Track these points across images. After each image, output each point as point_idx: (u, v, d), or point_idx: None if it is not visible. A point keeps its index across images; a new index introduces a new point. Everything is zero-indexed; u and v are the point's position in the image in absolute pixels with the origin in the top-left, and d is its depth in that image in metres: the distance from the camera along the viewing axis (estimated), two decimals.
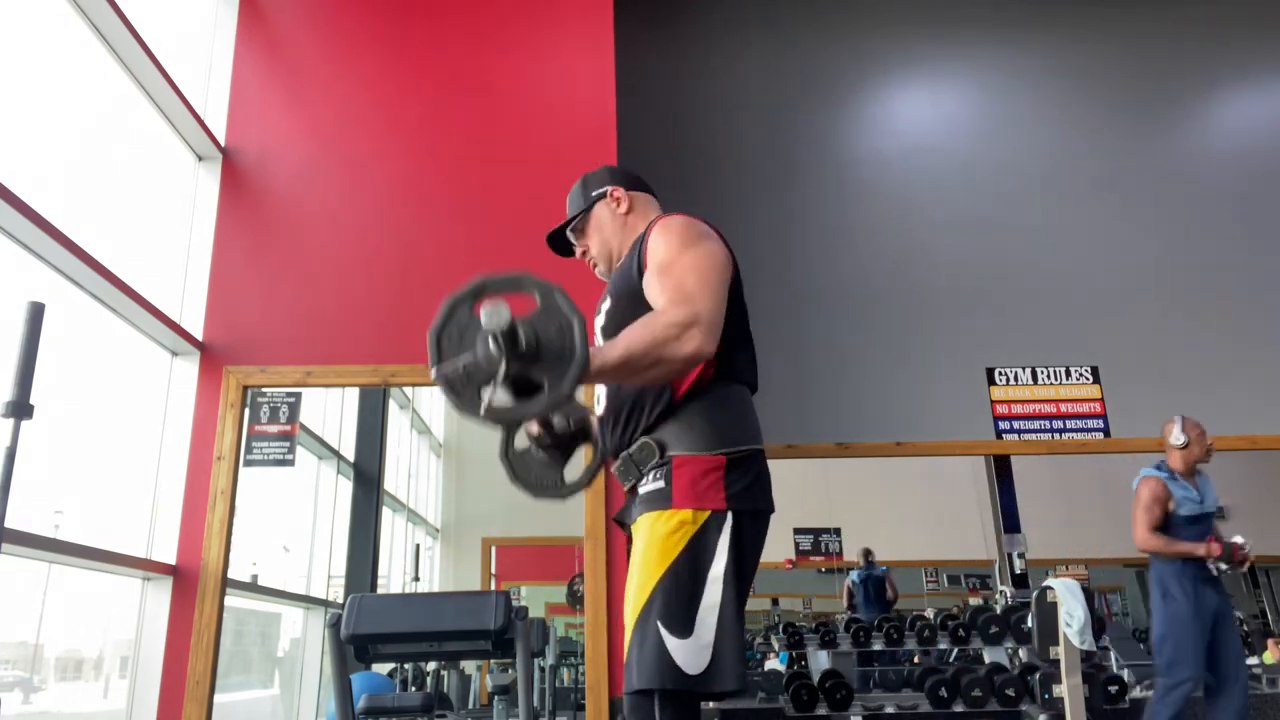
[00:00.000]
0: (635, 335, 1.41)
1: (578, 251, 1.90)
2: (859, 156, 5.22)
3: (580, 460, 1.62)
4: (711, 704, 4.24)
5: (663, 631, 1.44)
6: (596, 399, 1.71)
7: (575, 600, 5.83)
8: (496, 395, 1.24)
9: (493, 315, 1.22)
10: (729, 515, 1.50)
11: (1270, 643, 5.69)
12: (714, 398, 1.56)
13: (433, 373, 1.26)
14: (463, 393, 1.27)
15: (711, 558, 1.47)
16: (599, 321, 1.73)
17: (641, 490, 1.54)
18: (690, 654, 1.43)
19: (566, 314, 1.28)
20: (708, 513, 1.49)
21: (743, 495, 1.52)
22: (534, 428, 1.53)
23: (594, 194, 1.84)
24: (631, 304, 1.62)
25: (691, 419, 1.54)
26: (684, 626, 1.44)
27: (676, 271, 1.56)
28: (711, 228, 1.69)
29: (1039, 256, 5.03)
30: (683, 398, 1.55)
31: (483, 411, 1.24)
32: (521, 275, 1.31)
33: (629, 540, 1.61)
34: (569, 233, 1.88)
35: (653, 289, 1.58)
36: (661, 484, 1.51)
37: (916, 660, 5.37)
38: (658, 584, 1.47)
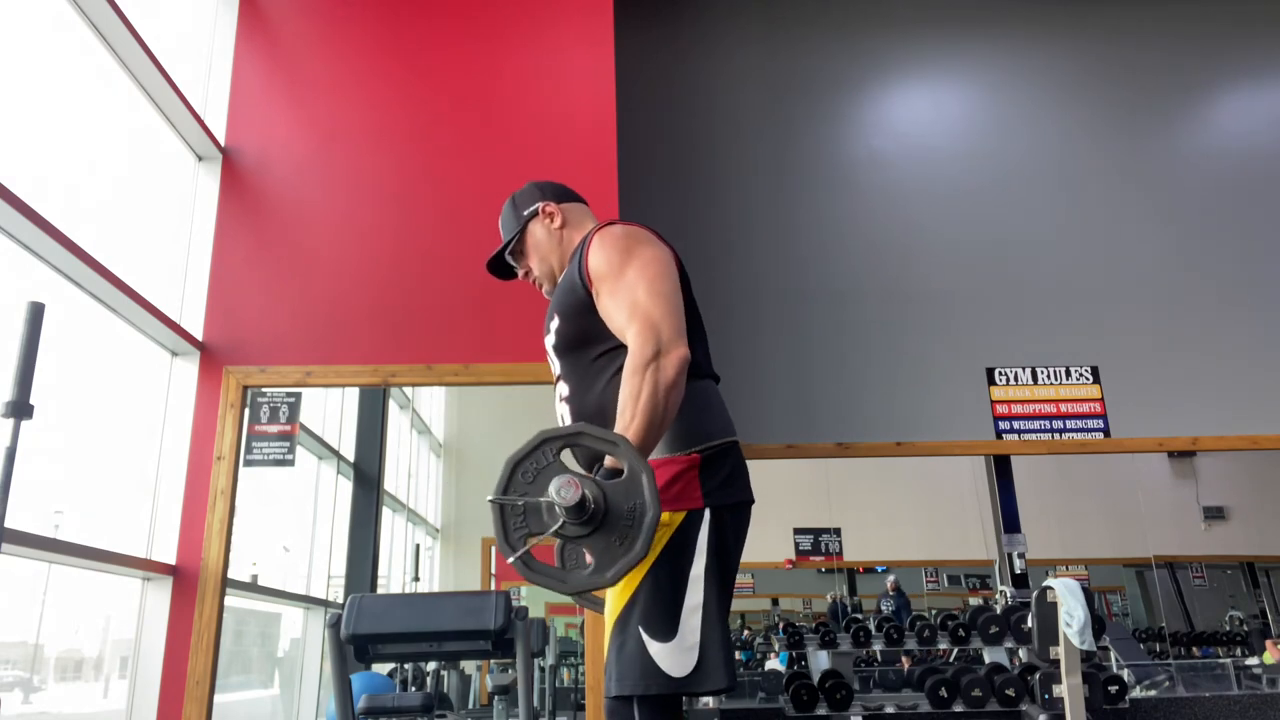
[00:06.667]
0: (630, 397, 1.41)
1: (520, 273, 1.88)
2: (859, 156, 5.22)
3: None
4: (711, 704, 4.23)
5: (644, 636, 1.43)
6: (560, 416, 1.69)
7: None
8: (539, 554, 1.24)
9: (564, 490, 1.20)
10: (706, 512, 1.49)
11: (1269, 643, 5.68)
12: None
13: (490, 497, 1.25)
14: (509, 529, 1.25)
15: (691, 558, 1.46)
16: (550, 340, 1.71)
17: None
18: (675, 656, 1.41)
19: (647, 501, 1.24)
20: (684, 513, 1.48)
21: (719, 491, 1.52)
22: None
23: (525, 214, 1.82)
24: (579, 319, 1.62)
25: None
26: (667, 629, 1.43)
27: (625, 287, 1.55)
28: (649, 230, 1.67)
29: (1039, 256, 5.02)
30: None
31: (519, 564, 1.25)
32: (619, 439, 1.29)
33: None
34: (508, 256, 1.86)
35: (607, 308, 1.58)
36: None
37: (917, 660, 5.37)
38: (637, 588, 1.45)
